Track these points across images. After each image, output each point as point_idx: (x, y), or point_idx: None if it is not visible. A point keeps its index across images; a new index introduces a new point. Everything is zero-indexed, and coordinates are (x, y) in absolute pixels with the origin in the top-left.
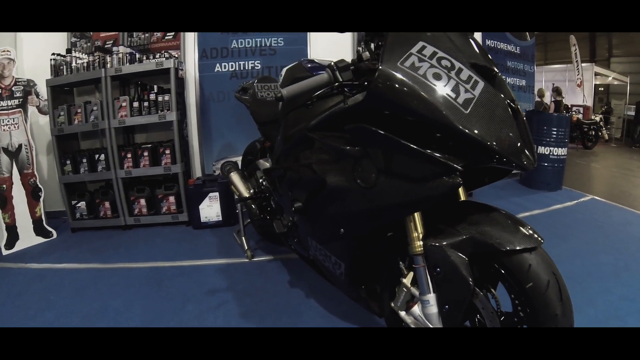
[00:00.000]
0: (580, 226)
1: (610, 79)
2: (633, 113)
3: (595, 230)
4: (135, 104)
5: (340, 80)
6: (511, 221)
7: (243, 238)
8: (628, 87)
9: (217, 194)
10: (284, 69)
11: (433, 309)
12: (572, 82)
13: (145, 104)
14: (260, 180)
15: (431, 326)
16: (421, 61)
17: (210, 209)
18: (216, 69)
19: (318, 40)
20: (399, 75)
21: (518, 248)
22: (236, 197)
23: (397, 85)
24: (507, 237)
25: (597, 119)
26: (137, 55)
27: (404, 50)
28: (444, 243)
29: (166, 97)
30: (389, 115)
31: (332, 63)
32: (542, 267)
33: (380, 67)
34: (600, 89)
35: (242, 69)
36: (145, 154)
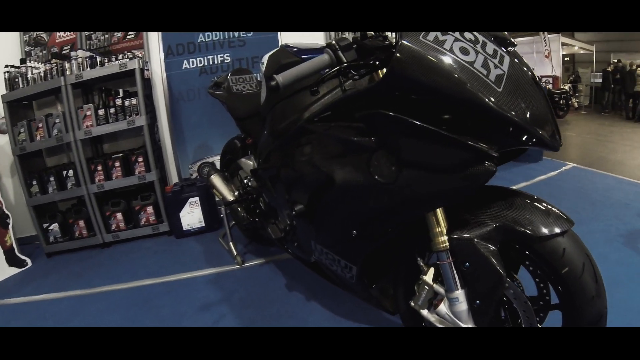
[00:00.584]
0: (567, 196)
1: (576, 48)
2: (600, 80)
3: (582, 199)
4: (101, 112)
5: (345, 61)
6: (538, 204)
7: (230, 243)
8: (594, 56)
9: (197, 198)
10: (265, 57)
11: (463, 305)
12: (540, 53)
13: (112, 110)
14: (245, 181)
15: (462, 325)
16: (444, 34)
17: (191, 216)
18: (184, 66)
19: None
20: (423, 50)
21: (552, 233)
22: (217, 199)
23: (422, 62)
24: (539, 222)
25: (567, 88)
26: (98, 59)
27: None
28: (472, 235)
29: (133, 101)
30: (404, 99)
31: (333, 42)
32: (575, 250)
33: (401, 42)
34: (566, 58)
35: (211, 63)
36: (117, 164)
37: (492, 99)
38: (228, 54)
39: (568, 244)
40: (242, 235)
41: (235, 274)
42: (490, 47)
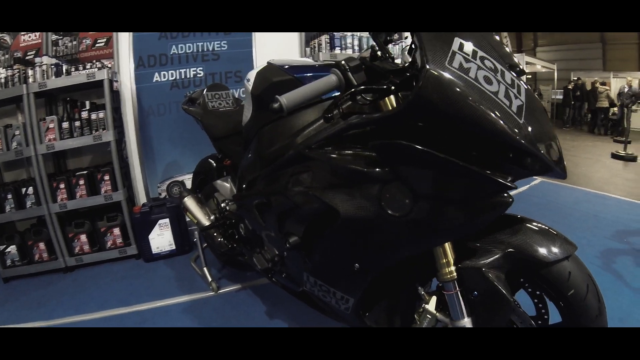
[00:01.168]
0: (539, 210)
1: (538, 67)
2: (561, 97)
3: (554, 212)
4: (65, 125)
5: (355, 83)
6: (542, 230)
7: (205, 269)
8: (555, 74)
9: (167, 220)
10: (252, 73)
11: None
12: None
13: (77, 123)
14: (223, 205)
15: None
16: (467, 61)
17: (161, 238)
18: (155, 79)
19: (264, 41)
20: (450, 78)
21: (559, 258)
22: (187, 219)
23: (449, 91)
24: (545, 248)
25: None
26: (64, 67)
27: (445, 47)
28: (480, 264)
29: (101, 114)
30: (413, 127)
31: (342, 62)
32: (579, 273)
33: (427, 69)
34: (528, 76)
35: (183, 77)
36: (81, 182)
37: (516, 131)
38: (201, 68)
39: (572, 267)
40: (215, 259)
41: (212, 302)
42: (508, 76)
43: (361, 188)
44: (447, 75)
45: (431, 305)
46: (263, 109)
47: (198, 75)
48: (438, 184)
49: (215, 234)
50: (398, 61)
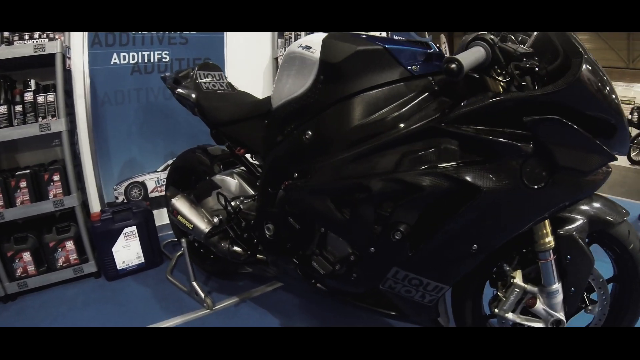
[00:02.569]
0: None
1: None
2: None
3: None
4: (3, 109)
5: (502, 60)
6: (605, 199)
7: (194, 283)
8: None
9: (134, 228)
10: (310, 40)
11: (560, 296)
12: None
13: (18, 108)
14: (235, 204)
15: (558, 315)
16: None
17: (127, 250)
18: (113, 61)
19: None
20: (599, 68)
21: (622, 220)
22: (186, 228)
23: (599, 80)
24: (612, 213)
25: None
26: (5, 35)
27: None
28: (572, 231)
29: (50, 97)
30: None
31: (490, 36)
32: (633, 231)
33: (586, 57)
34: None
35: (146, 61)
36: (23, 184)
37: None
38: (167, 52)
39: (629, 226)
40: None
41: (210, 321)
42: None
43: (502, 163)
44: (595, 67)
45: (519, 278)
46: (340, 81)
47: (163, 60)
48: (574, 158)
49: (221, 241)
50: None
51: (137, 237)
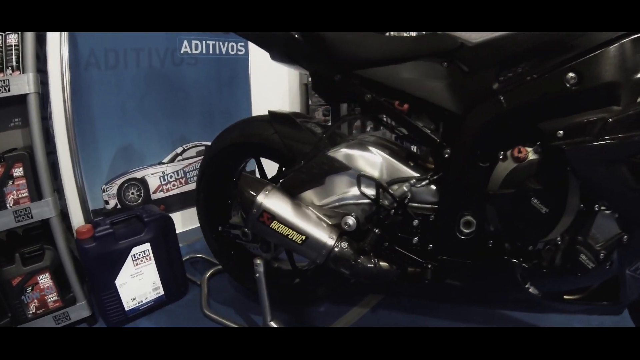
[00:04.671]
0: None
1: None
2: None
3: None
4: None
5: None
6: None
7: (272, 323)
8: None
9: (147, 246)
10: None
11: None
12: None
13: None
14: (402, 189)
15: None
16: None
17: (140, 282)
18: None
19: None
20: None
21: None
22: (279, 240)
23: None
24: None
25: None
26: None
27: None
28: None
29: (11, 39)
30: None
31: None
32: None
33: None
34: None
35: None
36: None
37: None
38: None
39: None
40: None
41: None
42: None
43: None
44: None
45: None
46: None
47: None
48: None
49: (360, 255)
50: None
51: (153, 260)
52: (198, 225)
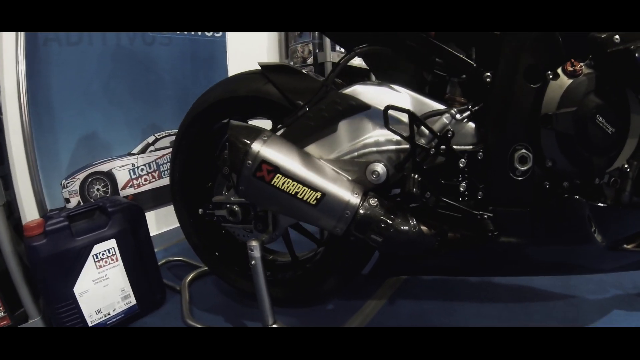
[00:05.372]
0: None
1: None
2: None
3: None
4: None
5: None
6: None
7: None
8: None
9: (112, 242)
10: None
11: None
12: None
13: None
14: (445, 123)
15: None
16: None
17: (105, 289)
18: None
19: None
20: None
21: None
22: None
23: None
24: None
25: None
26: None
27: None
28: None
29: None
30: None
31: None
32: None
33: None
34: None
35: None
36: None
37: None
38: None
39: None
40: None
41: None
42: None
43: None
44: None
45: None
46: None
47: None
48: None
49: (398, 216)
50: None
51: (120, 260)
52: (174, 226)
